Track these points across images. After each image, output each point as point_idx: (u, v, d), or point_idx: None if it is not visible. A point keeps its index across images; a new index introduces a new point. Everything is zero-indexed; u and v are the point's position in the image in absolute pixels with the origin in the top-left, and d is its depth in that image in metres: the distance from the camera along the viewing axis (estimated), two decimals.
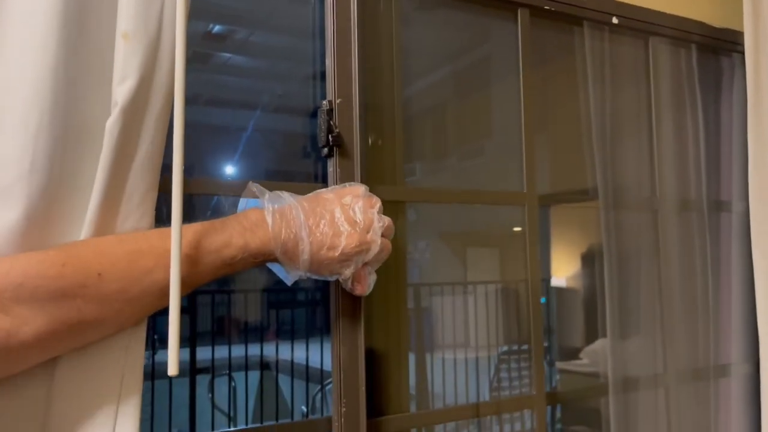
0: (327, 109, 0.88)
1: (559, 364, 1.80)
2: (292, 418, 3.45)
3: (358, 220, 0.73)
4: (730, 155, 1.41)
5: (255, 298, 3.86)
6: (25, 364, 0.58)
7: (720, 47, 1.40)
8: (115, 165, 0.63)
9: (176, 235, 0.59)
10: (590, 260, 1.30)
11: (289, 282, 0.73)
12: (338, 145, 0.89)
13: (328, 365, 3.54)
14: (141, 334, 0.65)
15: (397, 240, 1.04)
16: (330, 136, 0.88)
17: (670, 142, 1.29)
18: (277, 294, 4.10)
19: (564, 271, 1.79)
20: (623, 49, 1.27)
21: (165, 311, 0.61)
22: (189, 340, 2.48)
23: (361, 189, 0.78)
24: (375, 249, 0.75)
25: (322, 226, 0.71)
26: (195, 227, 0.65)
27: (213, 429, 3.08)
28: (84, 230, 0.62)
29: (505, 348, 3.28)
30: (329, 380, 3.45)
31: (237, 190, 0.77)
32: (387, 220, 0.77)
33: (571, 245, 1.73)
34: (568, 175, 1.33)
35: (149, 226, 0.66)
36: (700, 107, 1.34)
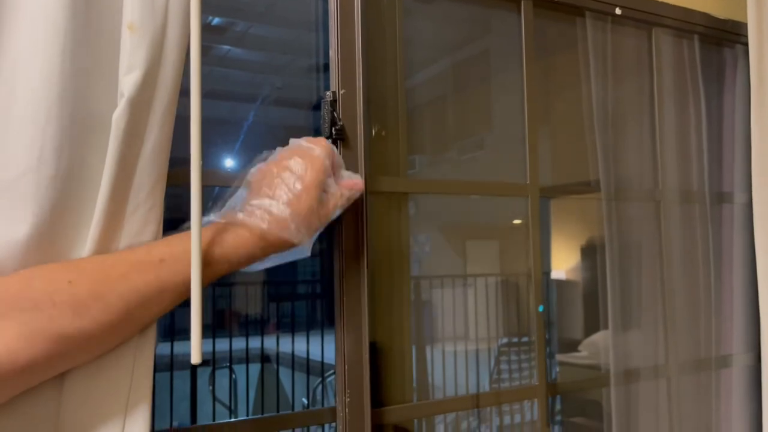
0: (330, 100, 0.88)
1: (558, 357, 1.80)
2: (293, 410, 3.46)
3: (295, 163, 0.72)
4: (732, 146, 1.41)
5: (256, 291, 3.87)
6: (12, 385, 0.55)
7: (723, 38, 1.40)
8: (122, 157, 0.63)
9: (196, 225, 0.57)
10: (591, 252, 1.30)
11: (308, 252, 0.73)
12: (341, 137, 0.89)
13: (328, 358, 3.55)
14: (151, 338, 0.65)
15: (400, 233, 1.04)
16: (333, 127, 0.88)
17: (673, 133, 1.29)
18: (278, 287, 4.11)
19: (564, 264, 1.79)
20: (626, 40, 1.26)
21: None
22: (188, 332, 2.48)
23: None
24: (324, 159, 0.73)
25: (280, 190, 0.69)
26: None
27: (214, 421, 3.08)
28: (93, 223, 0.62)
29: (505, 340, 3.29)
30: (330, 372, 3.47)
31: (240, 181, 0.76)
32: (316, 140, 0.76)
33: (571, 237, 1.73)
34: (571, 166, 1.33)
35: (158, 217, 0.66)
36: (703, 98, 1.33)
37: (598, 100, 1.20)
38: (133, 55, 0.63)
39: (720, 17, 1.37)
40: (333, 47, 0.91)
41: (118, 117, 0.62)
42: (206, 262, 0.63)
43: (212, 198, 0.72)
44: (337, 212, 0.76)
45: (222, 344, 3.29)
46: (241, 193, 0.72)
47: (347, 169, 0.86)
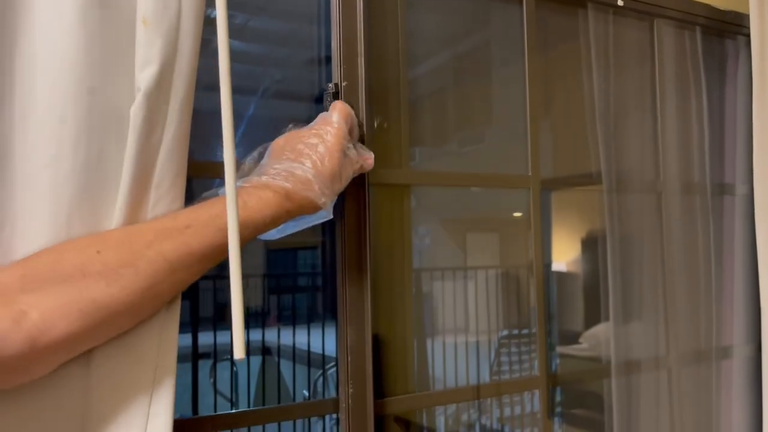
0: (332, 92, 0.89)
1: (558, 349, 1.80)
2: (294, 402, 3.47)
3: (317, 128, 0.75)
4: (734, 138, 1.41)
5: (256, 284, 3.87)
6: (50, 359, 0.56)
7: (725, 30, 1.39)
8: (142, 151, 0.63)
9: (232, 209, 0.56)
10: (592, 244, 1.30)
11: (330, 215, 0.73)
12: None
13: (329, 350, 3.56)
14: (175, 314, 0.65)
15: (402, 225, 1.04)
16: None
17: (674, 125, 1.29)
18: (278, 279, 4.11)
19: (565, 256, 1.79)
20: (628, 31, 1.26)
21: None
22: (191, 325, 2.49)
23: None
24: (343, 124, 0.75)
25: (303, 154, 0.71)
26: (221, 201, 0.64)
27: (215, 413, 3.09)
28: (115, 217, 0.62)
29: (505, 332, 3.30)
30: (331, 365, 3.49)
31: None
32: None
33: (572, 229, 1.73)
34: (572, 158, 1.33)
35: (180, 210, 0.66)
36: (705, 90, 1.33)
37: (600, 91, 1.20)
38: (148, 49, 0.63)
39: (722, 8, 1.36)
40: (335, 39, 0.91)
41: (135, 111, 0.62)
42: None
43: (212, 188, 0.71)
44: (350, 178, 0.77)
45: (223, 337, 3.30)
46: (263, 161, 0.73)
47: None
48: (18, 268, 0.56)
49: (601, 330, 1.28)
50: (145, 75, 0.62)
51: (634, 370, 1.20)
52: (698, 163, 1.32)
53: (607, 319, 1.20)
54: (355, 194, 0.90)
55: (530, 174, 1.13)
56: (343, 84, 0.90)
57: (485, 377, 3.40)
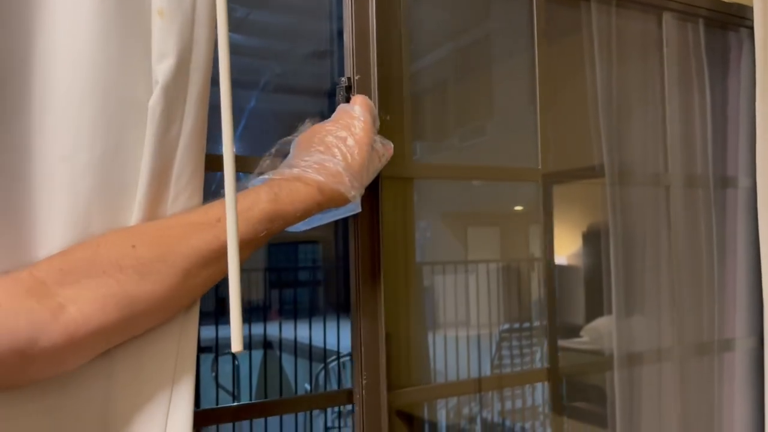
0: (345, 86, 0.89)
1: (559, 342, 1.81)
2: (310, 393, 3.48)
3: (345, 121, 0.75)
4: (737, 130, 1.40)
5: (258, 278, 3.87)
6: (86, 351, 0.58)
7: (728, 22, 1.38)
8: (161, 145, 0.63)
9: (231, 207, 0.56)
10: (595, 237, 1.30)
11: (359, 208, 0.75)
12: None
13: (330, 344, 3.58)
14: (194, 318, 0.66)
15: (405, 218, 1.04)
16: None
17: (677, 117, 1.28)
18: (280, 274, 4.12)
19: (567, 249, 1.79)
20: (631, 23, 1.25)
21: None
22: None
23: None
24: (369, 118, 0.76)
25: (333, 146, 0.71)
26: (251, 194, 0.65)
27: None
28: (134, 210, 0.62)
29: (506, 326, 3.30)
30: (332, 358, 3.50)
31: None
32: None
33: (573, 222, 1.73)
34: (575, 152, 1.32)
35: (199, 204, 0.66)
36: (708, 82, 1.32)
37: (603, 84, 1.19)
38: (165, 41, 0.63)
39: (725, 0, 1.35)
40: (348, 32, 0.92)
41: (154, 104, 0.62)
42: (262, 219, 0.64)
43: (215, 181, 0.71)
44: (377, 171, 0.78)
45: (225, 331, 3.31)
46: (290, 153, 0.73)
47: None
48: (56, 262, 0.57)
49: (603, 323, 1.28)
50: (162, 68, 0.62)
51: (640, 362, 1.20)
52: (701, 156, 1.31)
53: (609, 312, 1.20)
54: (368, 187, 0.91)
55: (540, 167, 1.13)
56: (356, 77, 0.90)
57: (486, 370, 3.40)
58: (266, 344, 3.71)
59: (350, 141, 0.72)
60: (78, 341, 0.55)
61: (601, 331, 1.29)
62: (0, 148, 0.58)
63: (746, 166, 1.38)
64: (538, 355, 3.27)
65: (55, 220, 0.59)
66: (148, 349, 0.62)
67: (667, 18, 1.29)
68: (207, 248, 0.61)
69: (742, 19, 1.38)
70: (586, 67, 1.19)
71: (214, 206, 0.64)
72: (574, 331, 1.63)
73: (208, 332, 2.99)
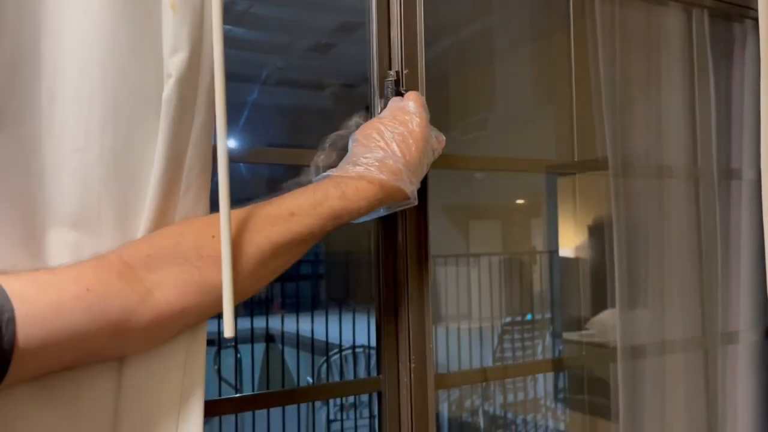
0: (394, 80, 0.91)
1: (564, 335, 1.81)
2: (339, 381, 3.49)
3: (403, 118, 0.78)
4: (741, 122, 1.40)
5: None
6: (167, 330, 0.62)
7: (732, 12, 1.38)
8: (174, 137, 0.63)
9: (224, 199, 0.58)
10: (599, 230, 1.30)
11: (415, 202, 0.76)
12: None
13: (332, 337, 3.58)
14: (201, 336, 0.66)
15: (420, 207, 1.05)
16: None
17: (681, 108, 1.28)
18: None
19: (572, 242, 1.79)
20: (635, 14, 1.24)
21: None
22: None
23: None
24: (424, 113, 0.79)
25: (393, 143, 0.74)
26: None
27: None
28: (147, 203, 0.63)
29: (509, 319, 3.31)
30: (334, 351, 3.51)
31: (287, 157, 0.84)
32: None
33: (577, 215, 1.73)
34: (579, 145, 1.32)
35: (207, 197, 0.67)
36: (712, 73, 1.32)
37: (606, 75, 1.19)
38: (177, 35, 0.63)
39: None
40: (395, 26, 0.93)
41: (167, 97, 0.62)
42: (331, 215, 0.68)
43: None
44: (430, 164, 0.81)
45: None
46: (350, 149, 0.76)
47: None
48: (144, 248, 0.60)
49: (608, 315, 1.29)
50: (175, 61, 0.63)
51: (645, 354, 1.21)
52: (705, 148, 1.31)
53: (613, 305, 1.20)
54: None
55: (576, 159, 1.14)
56: (405, 72, 0.92)
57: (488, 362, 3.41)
58: (268, 337, 3.72)
59: (408, 138, 0.75)
60: (162, 323, 0.60)
61: (606, 324, 1.29)
62: (12, 141, 0.58)
63: (751, 158, 1.38)
64: (540, 348, 3.28)
65: (67, 211, 0.60)
66: (155, 367, 0.63)
67: (672, 9, 1.28)
68: (279, 239, 0.65)
69: (747, 10, 1.37)
70: (590, 58, 1.19)
71: (285, 200, 0.67)
72: (579, 324, 1.64)
73: (211, 325, 2.99)
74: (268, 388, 3.46)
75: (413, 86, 0.93)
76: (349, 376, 3.47)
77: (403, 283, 0.93)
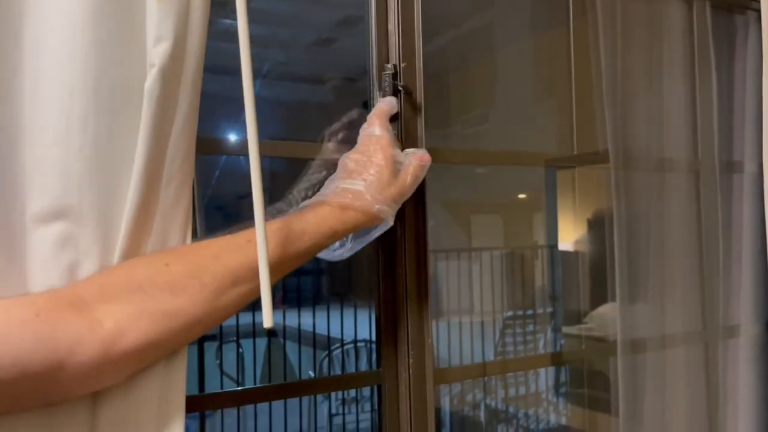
0: (391, 73, 0.91)
1: (564, 329, 1.81)
2: (341, 374, 3.49)
3: (364, 147, 0.80)
4: (742, 115, 1.39)
5: None
6: (122, 366, 0.60)
7: (734, 4, 1.37)
8: (156, 128, 0.62)
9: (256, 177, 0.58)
10: (599, 223, 1.29)
11: (390, 222, 0.78)
12: (404, 107, 0.92)
13: (334, 332, 3.59)
14: (181, 364, 0.66)
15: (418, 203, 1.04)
16: (398, 96, 0.91)
17: (682, 101, 1.27)
18: None
19: (573, 235, 1.79)
20: (636, 6, 1.24)
21: None
22: None
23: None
24: (385, 136, 0.81)
25: (356, 172, 0.76)
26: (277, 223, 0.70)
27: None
28: (129, 195, 0.62)
29: (510, 313, 3.31)
30: (336, 346, 3.51)
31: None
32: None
33: (578, 209, 1.72)
34: (581, 138, 1.32)
35: (190, 190, 0.67)
36: (713, 65, 1.31)
37: (607, 68, 1.18)
38: (161, 25, 0.62)
39: None
40: (393, 19, 0.93)
41: (150, 87, 0.62)
42: (291, 239, 0.69)
43: (219, 167, 0.72)
44: (417, 181, 0.80)
45: (229, 319, 3.32)
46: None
47: (408, 141, 0.92)
48: (96, 279, 0.60)
49: (607, 309, 1.28)
50: (158, 51, 0.62)
51: (650, 348, 1.20)
52: (707, 141, 1.30)
53: (613, 298, 1.20)
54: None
55: (576, 153, 1.13)
56: (403, 65, 0.91)
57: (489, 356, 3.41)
58: (270, 332, 3.72)
59: (368, 163, 0.77)
60: (114, 355, 0.58)
61: (607, 318, 1.29)
62: None
63: (752, 151, 1.37)
64: (541, 342, 3.28)
65: (48, 204, 0.59)
66: (131, 396, 0.62)
67: (674, 0, 1.27)
68: (236, 266, 0.64)
69: (749, 2, 1.36)
70: (591, 51, 1.18)
71: (245, 232, 0.67)
72: (579, 318, 1.64)
73: None
74: (270, 383, 3.47)
75: (411, 80, 0.93)
76: (351, 370, 3.48)
77: (401, 277, 0.93)
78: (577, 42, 1.24)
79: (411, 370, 0.92)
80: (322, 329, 3.62)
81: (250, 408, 3.07)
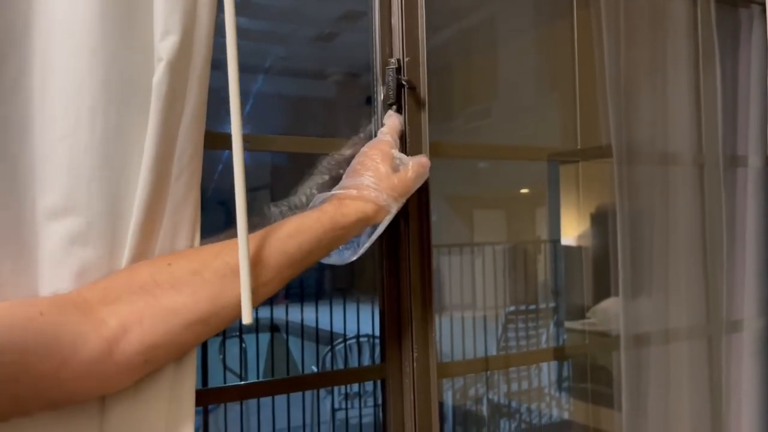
0: (395, 67, 0.91)
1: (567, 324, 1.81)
2: (343, 368, 3.51)
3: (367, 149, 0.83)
4: (747, 109, 1.38)
5: None
6: (127, 366, 0.59)
7: None
8: (165, 121, 0.63)
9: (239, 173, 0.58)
10: (602, 218, 1.29)
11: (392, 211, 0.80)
12: (408, 101, 0.92)
13: (337, 327, 3.60)
14: (191, 366, 0.66)
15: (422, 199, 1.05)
16: (402, 91, 0.92)
17: (686, 95, 1.27)
18: None
19: (576, 230, 1.79)
20: None
21: None
22: None
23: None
24: (386, 138, 0.84)
25: (358, 173, 0.79)
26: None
27: None
28: (138, 190, 0.62)
29: (512, 308, 3.31)
30: (339, 341, 3.52)
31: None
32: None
33: (580, 203, 1.72)
34: (587, 132, 1.31)
35: (198, 184, 0.67)
36: (718, 59, 1.31)
37: (611, 61, 1.18)
38: (169, 19, 0.62)
39: None
40: (396, 12, 0.93)
41: (158, 82, 0.62)
42: (289, 234, 0.70)
43: (222, 161, 0.73)
44: (420, 178, 0.82)
45: None
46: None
47: (413, 135, 0.93)
48: (100, 283, 0.60)
49: (609, 304, 1.28)
50: (166, 45, 0.62)
51: (653, 342, 1.20)
52: (711, 135, 1.30)
53: (616, 293, 1.20)
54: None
55: (579, 147, 1.13)
56: (406, 59, 0.92)
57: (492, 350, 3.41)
58: (273, 327, 3.73)
59: (367, 161, 0.80)
60: (118, 355, 0.58)
61: (609, 312, 1.29)
62: (1, 125, 0.58)
63: (757, 145, 1.37)
64: (544, 337, 3.28)
65: (57, 199, 0.59)
66: (140, 397, 0.62)
67: None
68: (237, 263, 0.64)
69: None
70: (594, 44, 1.18)
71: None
72: (580, 313, 1.64)
73: None
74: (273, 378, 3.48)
75: (415, 74, 0.93)
76: (354, 365, 3.48)
77: (405, 271, 0.94)
78: (580, 35, 1.24)
79: (415, 364, 0.93)
80: (324, 324, 3.63)
81: (253, 404, 3.07)
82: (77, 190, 0.60)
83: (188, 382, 0.65)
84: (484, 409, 2.94)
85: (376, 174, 0.78)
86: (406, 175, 0.80)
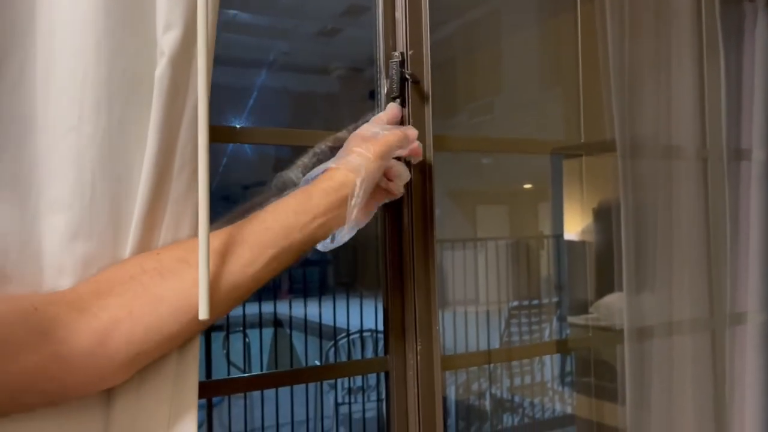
0: (399, 61, 0.91)
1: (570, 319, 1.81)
2: (346, 361, 3.52)
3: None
4: (751, 102, 1.38)
5: None
6: (121, 359, 0.59)
7: None
8: (167, 116, 0.63)
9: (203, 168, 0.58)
10: (606, 212, 1.29)
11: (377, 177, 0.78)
12: (412, 95, 0.92)
13: (340, 322, 3.61)
14: (194, 357, 0.66)
15: (425, 194, 1.05)
16: (406, 85, 0.92)
17: (690, 89, 1.27)
18: None
19: (579, 224, 1.79)
20: None
21: None
22: None
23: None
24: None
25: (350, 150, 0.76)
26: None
27: None
28: (142, 180, 0.62)
29: (515, 303, 3.32)
30: (342, 336, 3.53)
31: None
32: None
33: (584, 197, 1.72)
34: (590, 126, 1.31)
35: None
36: (721, 53, 1.30)
37: (614, 55, 1.17)
38: (171, 12, 0.62)
39: None
40: (399, 9, 0.93)
41: (160, 76, 0.62)
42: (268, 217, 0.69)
43: (226, 154, 0.73)
44: (401, 142, 0.79)
45: (235, 309, 3.34)
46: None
47: (416, 127, 0.91)
48: (92, 279, 0.60)
49: (613, 299, 1.28)
50: (168, 39, 0.62)
51: (657, 336, 1.20)
52: (714, 129, 1.30)
53: (620, 288, 1.20)
54: (420, 166, 0.93)
55: (583, 141, 1.13)
56: (410, 52, 0.92)
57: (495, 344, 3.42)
58: (276, 322, 3.74)
59: (350, 141, 0.78)
60: (111, 347, 0.58)
61: (612, 307, 1.29)
62: (5, 119, 0.58)
63: (760, 138, 1.36)
64: (547, 332, 3.28)
65: (61, 192, 0.60)
66: (144, 389, 0.63)
67: None
68: (224, 247, 0.64)
69: None
70: (598, 38, 1.17)
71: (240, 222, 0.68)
72: (582, 308, 1.64)
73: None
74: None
75: (419, 68, 0.93)
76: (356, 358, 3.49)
77: (409, 265, 0.94)
78: (584, 29, 1.24)
79: (419, 357, 0.93)
80: (328, 319, 3.64)
81: (256, 398, 3.09)
82: (80, 183, 0.60)
83: (191, 374, 0.65)
84: (487, 404, 2.95)
85: (353, 141, 0.77)
86: (386, 137, 0.78)
